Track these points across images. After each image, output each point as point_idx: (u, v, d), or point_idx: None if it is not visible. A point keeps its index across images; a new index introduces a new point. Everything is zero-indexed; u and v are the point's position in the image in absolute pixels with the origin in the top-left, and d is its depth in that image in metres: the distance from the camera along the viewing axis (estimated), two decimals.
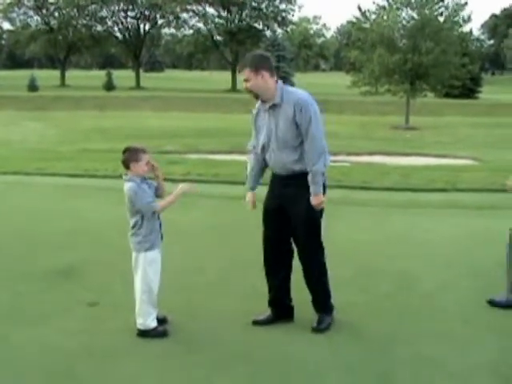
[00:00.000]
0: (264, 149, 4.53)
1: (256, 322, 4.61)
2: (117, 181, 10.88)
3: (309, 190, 4.35)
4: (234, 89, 63.02)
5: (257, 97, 4.41)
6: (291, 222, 4.48)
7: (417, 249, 6.69)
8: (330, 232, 5.32)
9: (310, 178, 4.32)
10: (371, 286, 5.44)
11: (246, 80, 4.35)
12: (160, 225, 4.41)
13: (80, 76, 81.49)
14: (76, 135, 22.21)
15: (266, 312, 4.68)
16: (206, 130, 23.93)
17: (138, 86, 65.61)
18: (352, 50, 31.06)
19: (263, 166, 4.66)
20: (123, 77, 69.84)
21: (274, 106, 4.39)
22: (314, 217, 4.44)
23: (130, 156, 4.27)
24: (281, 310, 4.69)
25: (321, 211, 4.46)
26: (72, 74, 78.49)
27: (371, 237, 7.13)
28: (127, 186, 4.27)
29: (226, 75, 72.97)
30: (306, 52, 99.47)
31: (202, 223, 7.77)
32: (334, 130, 20.61)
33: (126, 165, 4.29)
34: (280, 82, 4.41)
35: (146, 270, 4.32)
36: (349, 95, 42.39)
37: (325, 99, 46.79)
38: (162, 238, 4.42)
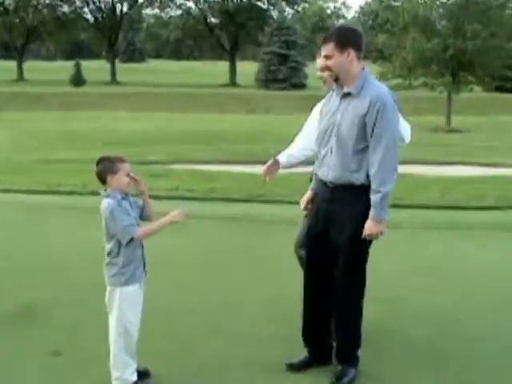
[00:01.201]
0: (319, 141, 4.55)
1: (291, 366, 4.68)
2: (87, 198, 11.03)
3: (361, 211, 4.34)
4: (232, 83, 63.32)
5: (337, 79, 4.44)
6: (332, 247, 4.50)
7: (459, 282, 6.69)
8: None
9: (374, 199, 4.29)
10: (402, 330, 5.44)
11: (328, 56, 4.39)
12: (143, 253, 4.42)
13: (41, 68, 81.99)
14: (36, 141, 22.27)
15: (301, 354, 4.74)
16: (197, 134, 23.98)
17: (113, 81, 65.95)
18: (379, 33, 31.26)
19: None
20: (95, 69, 70.23)
21: (348, 95, 4.43)
22: (362, 247, 4.45)
23: (105, 167, 4.30)
24: (319, 350, 4.75)
25: (370, 242, 4.47)
26: (32, 66, 78.91)
27: (402, 266, 7.14)
28: (104, 203, 4.28)
29: (223, 66, 73.34)
30: (321, 37, 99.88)
31: (194, 250, 7.78)
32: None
33: (102, 178, 4.31)
34: (367, 68, 4.46)
35: (123, 308, 4.32)
36: None
37: None
38: (144, 269, 4.43)
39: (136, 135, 23.70)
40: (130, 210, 4.31)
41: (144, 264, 4.42)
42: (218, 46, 74.48)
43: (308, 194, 4.77)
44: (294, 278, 5.62)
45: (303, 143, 5.06)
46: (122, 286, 4.31)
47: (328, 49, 4.38)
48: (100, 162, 4.33)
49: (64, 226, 8.99)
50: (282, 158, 4.98)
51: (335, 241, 4.47)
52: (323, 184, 4.56)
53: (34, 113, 35.08)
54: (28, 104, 39.74)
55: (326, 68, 4.46)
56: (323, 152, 4.52)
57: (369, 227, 4.32)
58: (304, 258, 4.87)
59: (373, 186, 4.30)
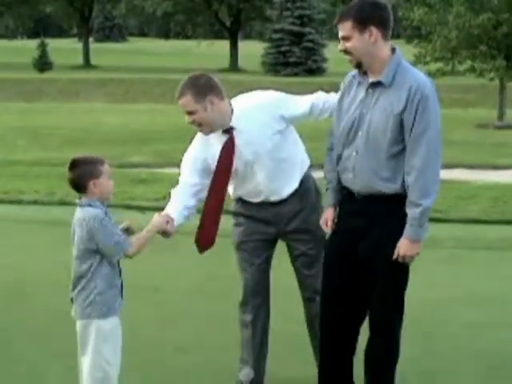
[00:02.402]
0: (341, 141, 4.51)
1: None
2: (54, 209, 11.04)
3: (396, 229, 4.33)
4: (233, 67, 63.37)
5: (359, 65, 4.44)
6: (359, 273, 4.50)
7: None
8: None
9: (412, 213, 4.27)
10: (442, 372, 5.43)
11: (346, 38, 4.39)
12: (121, 277, 4.42)
13: None
14: None
15: None
16: (190, 131, 23.94)
17: (86, 64, 66.12)
18: (415, 7, 31.21)
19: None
20: (64, 50, 70.51)
21: (377, 85, 4.39)
22: (402, 271, 4.45)
23: (84, 172, 4.29)
24: None
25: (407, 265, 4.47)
26: None
27: (445, 294, 7.14)
28: (89, 212, 4.26)
29: (222, 47, 73.43)
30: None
31: (187, 274, 7.78)
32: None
33: (82, 185, 4.31)
34: (398, 51, 4.45)
35: (101, 347, 4.30)
36: None
37: None
38: (122, 297, 4.43)
39: (116, 132, 23.73)
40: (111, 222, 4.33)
41: (122, 290, 4.42)
42: (216, 21, 74.65)
43: (330, 213, 4.71)
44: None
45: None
46: (100, 319, 4.29)
47: (345, 28, 4.35)
48: (76, 165, 4.32)
49: (24, 242, 9.02)
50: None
51: (367, 265, 4.45)
52: (347, 193, 4.55)
53: None
54: None
55: (346, 52, 4.40)
56: (346, 153, 4.49)
57: (403, 247, 4.30)
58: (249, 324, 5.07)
59: (411, 197, 4.27)
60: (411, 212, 4.27)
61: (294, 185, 5.01)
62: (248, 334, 5.18)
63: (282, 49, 56.38)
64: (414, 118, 4.24)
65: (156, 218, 4.59)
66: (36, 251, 8.52)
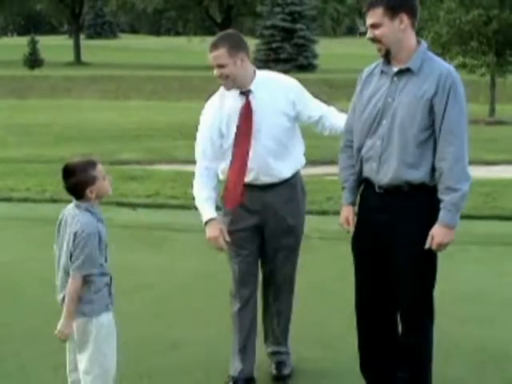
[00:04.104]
0: (363, 132, 4.48)
1: None
2: (45, 206, 11.02)
3: (424, 219, 4.32)
4: None
5: (387, 54, 4.42)
6: (390, 267, 4.49)
7: (505, 309, 6.70)
8: None
9: (450, 199, 4.25)
10: (444, 370, 5.43)
11: (375, 25, 4.37)
12: (110, 276, 4.41)
13: None
14: None
15: None
16: (182, 127, 23.98)
17: (77, 61, 66.08)
18: None
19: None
20: (55, 46, 70.39)
21: (404, 72, 4.39)
22: (427, 263, 4.43)
23: (80, 180, 4.26)
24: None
25: (436, 258, 4.46)
26: None
27: (440, 293, 7.12)
28: (85, 217, 4.27)
29: None
30: (334, 7, 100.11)
31: (179, 272, 7.79)
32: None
33: (79, 192, 4.30)
34: (423, 42, 4.43)
35: (99, 343, 4.31)
36: None
37: None
38: (111, 295, 4.42)
39: (107, 128, 23.71)
40: (104, 232, 4.30)
41: (110, 289, 4.41)
42: (207, 18, 74.60)
43: (349, 210, 4.67)
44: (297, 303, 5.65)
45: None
46: (98, 316, 4.31)
47: (376, 15, 4.32)
48: (70, 174, 4.29)
49: (15, 240, 9.02)
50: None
51: (396, 261, 4.45)
52: (367, 189, 4.53)
53: None
54: None
55: (374, 40, 4.38)
56: (369, 143, 4.45)
57: (440, 235, 4.26)
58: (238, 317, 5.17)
59: (448, 183, 4.23)
60: (449, 198, 4.23)
61: (285, 172, 5.09)
62: (236, 325, 5.25)
63: (273, 45, 56.44)
64: (446, 103, 4.23)
65: (211, 235, 4.81)
66: (26, 248, 8.51)
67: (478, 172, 16.26)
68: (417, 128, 4.28)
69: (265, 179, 5.04)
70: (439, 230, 4.27)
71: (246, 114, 5.00)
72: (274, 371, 5.27)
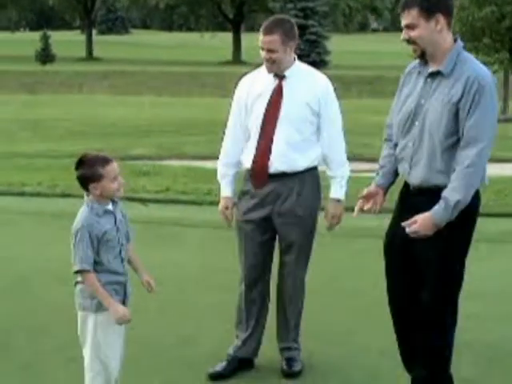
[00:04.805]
0: (399, 130, 4.51)
1: None
2: (56, 201, 11.03)
3: (449, 224, 4.28)
4: (237, 59, 63.39)
5: (423, 55, 4.39)
6: (417, 265, 4.49)
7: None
8: None
9: (445, 195, 4.22)
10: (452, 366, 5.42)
11: (410, 26, 4.34)
12: (124, 271, 4.40)
13: (1, 40, 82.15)
14: None
15: None
16: (193, 123, 23.98)
17: (89, 57, 66.15)
18: None
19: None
20: (67, 42, 70.45)
21: (436, 75, 4.38)
22: (452, 265, 4.45)
23: (84, 174, 4.27)
24: None
25: (462, 258, 4.46)
26: None
27: None
28: (81, 213, 4.28)
29: (225, 39, 73.40)
30: (346, 3, 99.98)
31: (189, 266, 7.79)
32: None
33: (83, 186, 4.30)
34: (459, 41, 4.41)
35: (99, 339, 4.30)
36: None
37: (377, 75, 47.01)
38: (126, 291, 4.41)
39: (118, 124, 23.73)
40: (109, 228, 4.27)
41: (125, 285, 4.40)
42: (219, 13, 74.56)
43: (373, 189, 4.66)
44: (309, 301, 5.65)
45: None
46: (97, 312, 4.29)
47: (411, 16, 4.28)
48: (79, 165, 4.29)
49: (26, 234, 9.02)
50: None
51: (421, 258, 4.45)
52: (405, 186, 4.53)
53: None
54: None
55: (409, 41, 4.35)
56: (403, 143, 4.47)
57: (422, 222, 4.21)
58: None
59: (452, 184, 4.19)
60: (448, 196, 4.18)
61: (299, 164, 5.16)
62: (239, 311, 5.38)
63: None
64: (470, 109, 4.19)
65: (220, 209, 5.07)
66: (38, 243, 8.52)
67: (490, 169, 16.25)
68: (443, 133, 4.26)
69: (278, 166, 5.10)
70: (424, 218, 4.22)
71: (276, 98, 5.13)
72: (285, 367, 5.28)
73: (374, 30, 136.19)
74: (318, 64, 55.01)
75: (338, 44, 61.01)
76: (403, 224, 4.29)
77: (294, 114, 5.12)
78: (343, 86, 36.04)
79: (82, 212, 4.27)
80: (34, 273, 7.46)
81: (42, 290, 6.95)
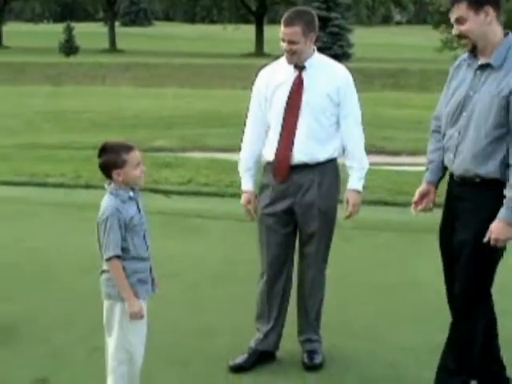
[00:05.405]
0: (446, 120, 4.53)
1: None
2: (79, 192, 11.08)
3: (487, 212, 4.31)
4: (259, 52, 63.33)
5: (474, 48, 4.39)
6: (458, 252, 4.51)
7: None
8: None
9: (509, 196, 4.24)
10: None
11: (460, 20, 4.34)
12: (150, 263, 4.42)
13: (25, 32, 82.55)
14: (17, 122, 22.44)
15: None
16: (216, 115, 24.00)
17: (112, 48, 66.31)
18: None
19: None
20: (90, 34, 70.61)
21: (486, 67, 4.39)
22: (485, 256, 4.42)
23: (108, 160, 4.30)
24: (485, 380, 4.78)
25: (501, 251, 4.45)
26: (13, 29, 79.51)
27: None
28: (106, 201, 4.31)
29: (248, 31, 73.36)
30: None
31: (211, 259, 7.81)
32: (416, 117, 20.54)
33: (106, 173, 4.34)
34: (510, 35, 4.39)
35: (124, 329, 4.33)
36: (438, 62, 42.25)
37: (401, 69, 46.77)
38: (153, 283, 4.45)
39: (141, 116, 23.77)
40: (134, 214, 4.31)
41: (152, 277, 4.43)
42: (241, 5, 74.51)
43: (424, 188, 4.74)
44: (330, 293, 5.65)
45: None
46: (123, 301, 4.31)
47: (460, 10, 4.28)
48: (102, 152, 4.33)
49: (50, 225, 9.06)
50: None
51: (457, 240, 4.49)
52: (450, 176, 4.56)
53: (16, 87, 35.28)
54: (8, 76, 40.01)
55: (460, 36, 4.36)
56: (450, 133, 4.50)
57: (496, 230, 4.26)
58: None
59: (508, 184, 4.22)
60: (507, 192, 4.23)
61: (320, 155, 5.16)
62: (260, 304, 5.40)
63: None
64: None
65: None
66: (61, 234, 8.57)
67: None
68: (491, 124, 4.28)
69: (300, 157, 5.10)
70: (497, 224, 4.26)
71: (297, 89, 5.13)
72: (306, 360, 5.29)
73: (398, 23, 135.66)
74: (341, 57, 54.85)
75: (361, 37, 60.84)
76: (485, 241, 4.30)
77: (316, 104, 5.12)
78: (366, 79, 35.94)
79: (107, 200, 4.30)
80: (57, 263, 7.51)
81: (66, 280, 7.00)
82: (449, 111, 4.50)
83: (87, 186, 10.64)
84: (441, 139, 4.63)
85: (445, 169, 4.67)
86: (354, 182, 5.27)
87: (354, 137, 5.25)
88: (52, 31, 70.13)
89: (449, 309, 4.78)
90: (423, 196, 4.73)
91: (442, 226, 4.70)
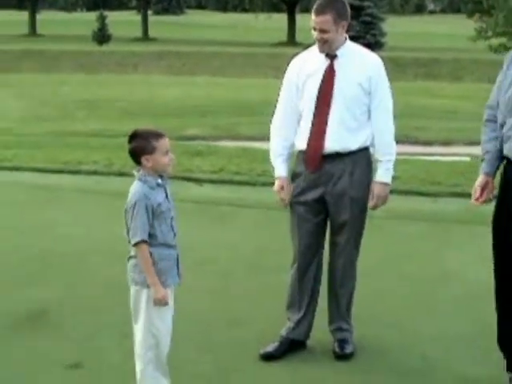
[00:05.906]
0: (505, 110, 4.51)
1: None
2: (112, 180, 11.12)
3: None
4: (291, 40, 63.13)
5: None
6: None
7: None
8: None
9: None
10: None
11: None
12: (177, 251, 4.44)
13: (58, 20, 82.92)
14: (50, 110, 22.56)
15: None
16: (248, 104, 23.98)
17: (145, 37, 66.40)
18: None
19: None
20: (123, 22, 70.78)
21: None
22: None
23: (138, 147, 4.33)
24: None
25: None
26: (47, 18, 79.92)
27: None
28: (134, 187, 4.34)
29: (280, 20, 73.15)
30: None
31: (243, 247, 7.79)
32: (449, 107, 20.41)
33: (136, 158, 4.36)
34: None
35: (151, 314, 4.36)
36: (472, 52, 41.94)
37: (434, 58, 46.44)
38: (178, 270, 4.47)
39: (173, 104, 23.82)
40: (162, 201, 4.33)
41: (178, 264, 4.45)
42: None
43: (481, 180, 4.71)
44: (361, 285, 5.65)
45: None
46: (150, 288, 4.33)
47: None
48: (133, 138, 4.36)
49: (83, 212, 9.12)
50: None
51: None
52: (508, 164, 4.53)
53: (49, 75, 35.49)
54: (41, 64, 40.28)
55: None
56: (510, 122, 4.47)
57: None
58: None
59: None
60: None
61: (352, 144, 5.15)
62: (292, 292, 5.40)
63: None
64: None
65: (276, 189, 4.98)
66: (94, 221, 8.62)
67: None
68: None
69: (332, 146, 5.09)
70: None
71: (329, 77, 5.12)
72: (337, 349, 5.28)
73: (431, 12, 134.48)
74: (374, 45, 54.50)
75: (393, 25, 60.41)
76: None
77: (348, 92, 5.11)
78: (398, 68, 35.76)
79: (136, 186, 4.32)
80: (89, 250, 7.56)
81: (98, 267, 7.04)
82: (508, 100, 4.44)
83: (120, 174, 10.68)
84: (496, 128, 4.59)
85: (502, 159, 4.63)
86: (382, 174, 5.25)
87: (384, 126, 5.23)
88: (85, 20, 70.41)
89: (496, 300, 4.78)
90: (482, 190, 4.69)
91: (497, 214, 4.65)
